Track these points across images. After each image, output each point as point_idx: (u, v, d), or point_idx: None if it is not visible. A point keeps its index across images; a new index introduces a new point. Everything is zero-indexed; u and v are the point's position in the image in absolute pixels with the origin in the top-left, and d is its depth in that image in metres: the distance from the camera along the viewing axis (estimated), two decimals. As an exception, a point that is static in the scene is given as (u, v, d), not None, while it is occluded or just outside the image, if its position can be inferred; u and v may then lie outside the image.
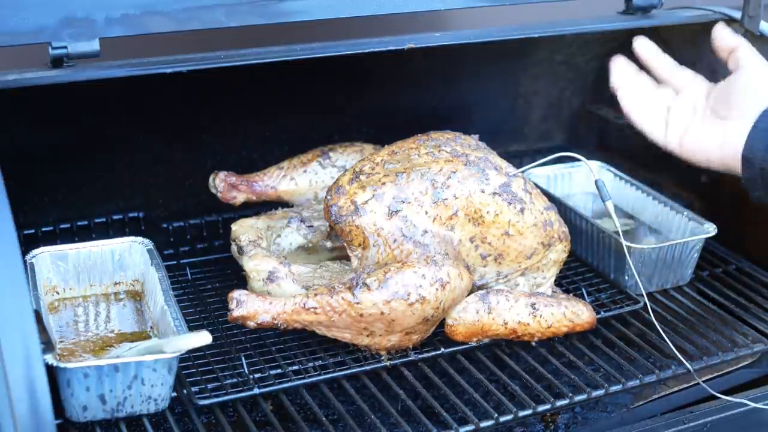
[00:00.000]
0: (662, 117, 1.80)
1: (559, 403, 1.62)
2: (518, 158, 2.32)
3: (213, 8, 1.55)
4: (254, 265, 1.70)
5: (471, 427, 1.54)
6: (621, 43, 2.35)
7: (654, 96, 1.83)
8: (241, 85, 1.96)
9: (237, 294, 1.60)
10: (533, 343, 1.77)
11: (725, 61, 1.77)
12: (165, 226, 2.05)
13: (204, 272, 1.99)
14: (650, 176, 2.30)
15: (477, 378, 1.67)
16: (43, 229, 1.96)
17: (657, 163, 2.31)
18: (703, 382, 1.70)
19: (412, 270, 1.59)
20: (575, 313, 1.78)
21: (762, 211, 2.01)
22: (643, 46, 1.85)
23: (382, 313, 1.58)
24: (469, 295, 1.70)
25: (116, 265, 1.77)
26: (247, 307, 1.59)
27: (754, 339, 1.82)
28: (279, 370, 1.65)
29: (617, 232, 1.83)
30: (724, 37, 1.77)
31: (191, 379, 1.60)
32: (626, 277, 1.92)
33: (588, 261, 2.03)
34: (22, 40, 1.44)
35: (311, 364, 1.67)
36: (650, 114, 1.82)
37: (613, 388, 1.66)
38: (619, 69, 1.86)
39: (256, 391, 1.59)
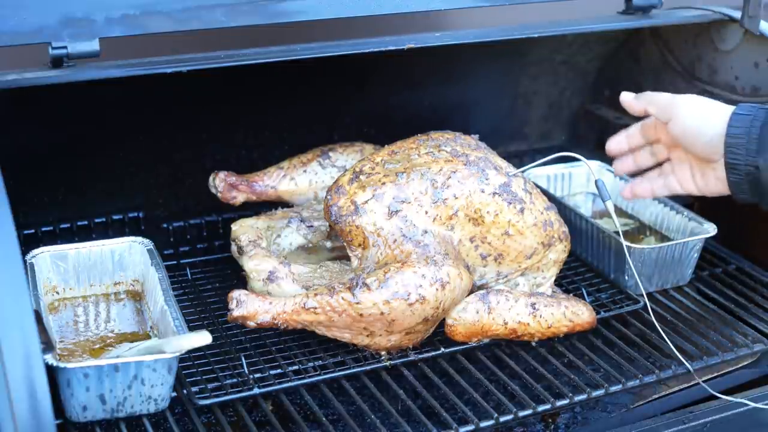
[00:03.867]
0: (671, 177, 1.78)
1: (559, 403, 1.62)
2: (518, 158, 2.33)
3: (213, 8, 1.56)
4: (254, 265, 1.70)
5: (471, 427, 1.54)
6: (621, 43, 2.36)
7: (655, 161, 1.82)
8: (241, 85, 1.96)
9: (237, 294, 1.60)
10: (533, 343, 1.77)
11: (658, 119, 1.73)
12: (165, 226, 2.05)
13: (204, 272, 1.99)
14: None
15: (477, 378, 1.67)
16: (43, 229, 1.96)
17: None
18: (703, 382, 1.70)
19: (412, 270, 1.59)
20: (575, 313, 1.78)
21: (762, 211, 2.01)
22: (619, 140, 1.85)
23: (382, 313, 1.58)
24: (469, 295, 1.70)
25: (116, 265, 1.77)
26: (247, 307, 1.59)
27: (754, 339, 1.82)
28: (279, 370, 1.65)
29: (617, 232, 1.84)
30: (631, 105, 1.75)
31: (191, 379, 1.60)
32: (626, 277, 1.92)
33: (588, 261, 2.03)
34: (22, 40, 1.44)
35: (311, 364, 1.67)
36: (666, 180, 1.78)
37: (613, 388, 1.66)
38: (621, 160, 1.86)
39: (256, 391, 1.59)
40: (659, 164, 1.81)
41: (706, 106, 1.65)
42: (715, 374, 1.74)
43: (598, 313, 1.83)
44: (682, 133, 1.67)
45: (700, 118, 1.64)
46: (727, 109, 1.61)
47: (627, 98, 1.76)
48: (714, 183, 1.68)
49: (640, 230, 2.11)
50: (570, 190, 2.24)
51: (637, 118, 1.80)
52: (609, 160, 2.28)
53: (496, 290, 1.73)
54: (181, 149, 2.05)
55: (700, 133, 1.63)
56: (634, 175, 1.88)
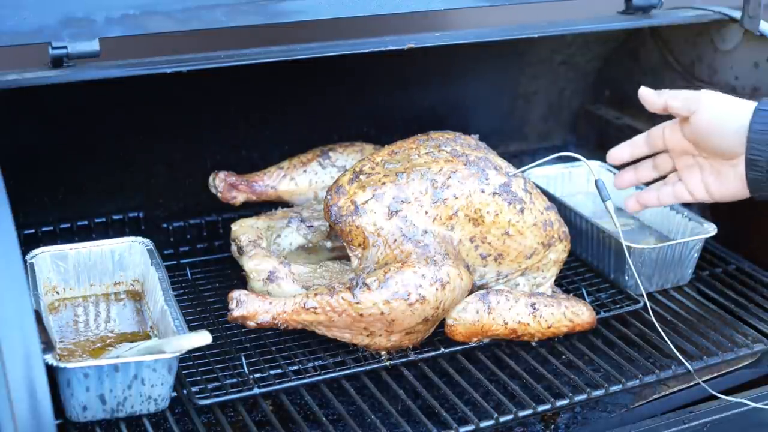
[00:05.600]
0: (679, 185, 1.73)
1: (559, 403, 1.62)
2: (518, 158, 2.33)
3: (213, 8, 1.56)
4: (254, 265, 1.70)
5: (471, 427, 1.54)
6: (621, 43, 2.36)
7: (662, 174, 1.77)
8: (241, 84, 1.96)
9: (237, 294, 1.60)
10: (533, 343, 1.77)
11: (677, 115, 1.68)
12: (165, 226, 2.05)
13: (204, 272, 1.99)
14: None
15: (477, 378, 1.67)
16: (43, 229, 1.96)
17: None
18: (703, 382, 1.70)
19: (412, 270, 1.59)
20: (575, 313, 1.78)
21: (762, 211, 2.01)
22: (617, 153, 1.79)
23: (382, 313, 1.58)
24: (469, 295, 1.70)
25: (116, 265, 1.77)
26: (247, 307, 1.59)
27: (754, 339, 1.82)
28: (279, 370, 1.65)
29: (617, 232, 1.83)
30: (652, 100, 1.70)
31: (191, 379, 1.60)
32: (626, 277, 1.92)
33: (588, 261, 2.03)
34: (22, 40, 1.44)
35: (311, 364, 1.67)
36: (674, 188, 1.74)
37: (613, 388, 1.66)
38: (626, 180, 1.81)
39: (256, 391, 1.59)
40: (661, 177, 1.78)
41: (730, 101, 1.62)
42: (715, 374, 1.74)
43: (598, 313, 1.83)
44: (705, 127, 1.62)
45: (724, 112, 1.61)
46: (751, 105, 1.58)
47: (646, 93, 1.70)
48: (732, 183, 1.64)
49: (640, 230, 2.11)
50: (570, 190, 2.24)
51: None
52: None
53: (496, 290, 1.73)
54: (181, 149, 2.05)
55: (724, 127, 1.59)
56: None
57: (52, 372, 1.36)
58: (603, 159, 2.27)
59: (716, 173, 1.66)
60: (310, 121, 2.14)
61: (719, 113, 1.61)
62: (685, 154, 1.71)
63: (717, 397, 1.64)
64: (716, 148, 1.63)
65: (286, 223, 1.84)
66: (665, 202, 1.77)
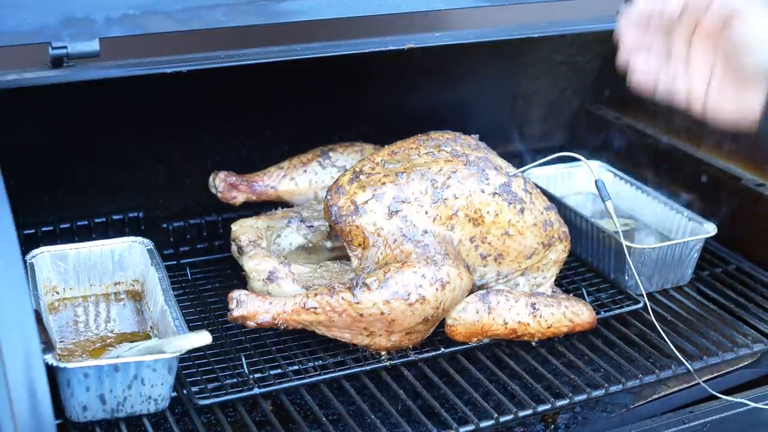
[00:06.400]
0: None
1: (559, 403, 1.62)
2: (518, 158, 2.33)
3: (213, 8, 1.56)
4: (254, 265, 1.70)
5: (471, 427, 1.54)
6: (621, 43, 2.35)
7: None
8: (241, 85, 1.96)
9: (237, 294, 1.60)
10: (533, 343, 1.77)
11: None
12: (165, 226, 2.05)
13: (204, 272, 1.98)
14: (650, 176, 2.30)
15: (477, 378, 1.67)
16: (43, 229, 1.96)
17: (657, 163, 2.32)
18: (703, 382, 1.70)
19: (412, 270, 1.59)
20: (575, 313, 1.78)
21: (762, 211, 2.01)
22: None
23: (382, 313, 1.58)
24: (469, 295, 1.70)
25: (116, 265, 1.77)
26: (247, 307, 1.59)
27: (754, 339, 1.82)
28: (279, 370, 1.65)
29: (617, 232, 1.84)
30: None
31: (191, 379, 1.60)
32: (626, 277, 1.92)
33: (588, 261, 2.03)
34: (22, 40, 1.44)
35: (311, 364, 1.67)
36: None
37: (613, 388, 1.66)
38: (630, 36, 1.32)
39: (256, 391, 1.59)
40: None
41: None
42: (715, 374, 1.74)
43: (598, 313, 1.83)
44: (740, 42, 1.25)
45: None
46: None
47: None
48: (744, 102, 1.28)
49: (640, 230, 2.11)
50: (570, 190, 2.24)
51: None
52: (609, 160, 2.29)
53: (496, 290, 1.73)
54: (181, 149, 2.05)
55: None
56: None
57: (52, 372, 1.36)
58: (603, 159, 2.28)
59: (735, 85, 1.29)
60: (310, 121, 2.14)
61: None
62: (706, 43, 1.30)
63: (717, 397, 1.64)
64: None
65: (286, 223, 1.84)
66: (660, 89, 1.35)
